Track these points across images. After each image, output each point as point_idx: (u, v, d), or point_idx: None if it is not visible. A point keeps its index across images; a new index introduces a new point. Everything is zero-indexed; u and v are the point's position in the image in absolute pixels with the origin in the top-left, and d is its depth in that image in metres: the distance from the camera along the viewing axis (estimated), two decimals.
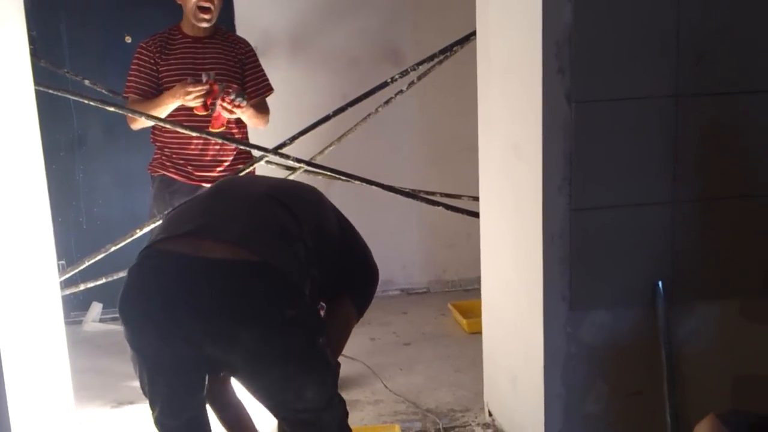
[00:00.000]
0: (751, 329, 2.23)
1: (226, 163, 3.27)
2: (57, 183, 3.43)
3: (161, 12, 3.68)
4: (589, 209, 2.10)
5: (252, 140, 3.44)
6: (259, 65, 3.38)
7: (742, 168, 2.16)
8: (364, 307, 2.04)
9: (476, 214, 2.87)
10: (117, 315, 1.83)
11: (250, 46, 3.39)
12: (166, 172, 3.23)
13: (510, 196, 2.40)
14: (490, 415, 2.74)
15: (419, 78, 3.55)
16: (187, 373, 1.80)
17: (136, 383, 1.88)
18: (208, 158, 3.24)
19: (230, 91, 3.07)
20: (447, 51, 3.36)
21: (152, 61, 3.21)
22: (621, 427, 2.23)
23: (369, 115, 3.68)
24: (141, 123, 3.22)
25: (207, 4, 3.14)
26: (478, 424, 2.71)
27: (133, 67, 3.26)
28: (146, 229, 3.10)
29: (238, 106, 3.09)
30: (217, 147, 3.23)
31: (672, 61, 2.07)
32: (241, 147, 3.30)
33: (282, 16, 4.26)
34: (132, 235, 3.15)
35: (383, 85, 3.47)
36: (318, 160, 3.67)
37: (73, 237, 4.10)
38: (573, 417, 2.20)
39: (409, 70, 3.46)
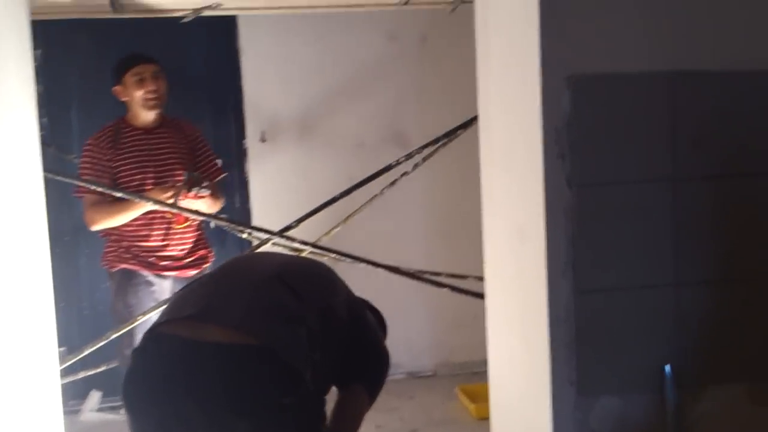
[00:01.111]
0: (758, 415, 2.17)
1: (187, 249, 3.23)
2: (60, 267, 3.44)
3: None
4: (593, 292, 2.08)
5: (259, 223, 3.48)
6: (209, 148, 3.38)
7: (743, 249, 2.15)
8: (376, 393, 2.01)
9: (482, 296, 2.86)
10: (115, 404, 1.81)
11: (199, 130, 3.39)
12: (126, 265, 3.18)
13: (515, 278, 2.39)
14: None
15: (424, 159, 3.60)
16: None
17: None
18: (170, 248, 3.20)
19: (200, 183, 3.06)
20: (450, 134, 3.42)
21: (106, 157, 3.16)
22: None
23: (375, 196, 3.73)
24: (102, 224, 3.17)
25: (154, 94, 3.14)
26: None
27: (85, 163, 3.17)
28: (142, 319, 3.08)
29: (201, 197, 3.09)
30: (177, 236, 3.19)
31: (668, 146, 2.09)
32: (235, 230, 3.29)
33: (290, 100, 4.36)
34: (133, 323, 3.13)
35: (389, 167, 3.52)
36: (324, 242, 3.69)
37: (75, 323, 4.09)
38: None
39: (413, 152, 3.52)
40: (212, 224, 3.29)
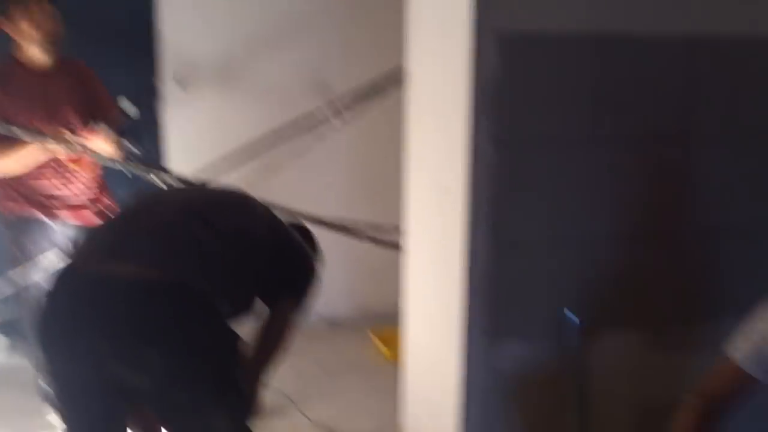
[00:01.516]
0: (658, 361, 2.36)
1: (87, 193, 3.13)
2: None
3: None
4: (508, 244, 2.19)
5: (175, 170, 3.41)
6: (106, 91, 3.21)
7: (651, 208, 2.30)
8: (305, 303, 1.98)
9: (400, 247, 2.94)
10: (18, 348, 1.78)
11: (91, 70, 3.21)
12: (21, 208, 3.03)
13: (434, 231, 2.47)
14: None
15: (348, 110, 3.61)
16: (102, 399, 1.77)
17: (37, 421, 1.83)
18: (67, 190, 3.08)
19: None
20: (377, 86, 3.43)
21: None
22: None
23: (297, 146, 3.72)
24: None
25: (46, 33, 2.92)
26: None
27: None
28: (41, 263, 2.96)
29: (97, 133, 2.97)
30: (74, 178, 3.07)
31: (590, 107, 2.19)
32: (147, 175, 3.15)
33: (210, 44, 4.24)
34: (32, 267, 2.99)
35: (312, 117, 3.51)
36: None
37: None
38: None
39: (338, 102, 3.52)
40: (123, 169, 3.15)
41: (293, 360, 3.94)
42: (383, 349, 3.86)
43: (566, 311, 2.25)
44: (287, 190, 3.92)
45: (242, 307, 1.85)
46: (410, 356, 2.80)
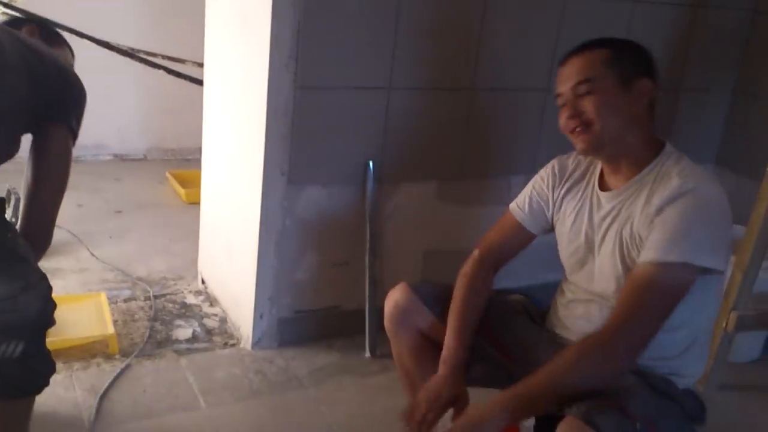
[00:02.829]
0: (443, 210, 2.50)
1: None
2: None
3: None
4: (313, 88, 2.14)
5: None
6: None
7: (448, 63, 2.34)
8: (76, 124, 1.65)
9: (200, 82, 2.78)
10: None
11: None
12: None
13: (236, 67, 2.35)
14: (203, 282, 2.78)
15: None
16: None
17: None
18: None
19: None
20: None
21: None
22: (326, 293, 2.41)
23: None
24: None
25: None
26: (190, 291, 2.74)
27: None
28: None
29: None
30: None
31: None
32: None
33: None
34: None
35: None
36: (20, 4, 3.25)
37: None
38: (283, 285, 2.33)
39: None
40: None
41: (82, 197, 3.74)
42: (180, 190, 3.74)
43: (366, 161, 2.29)
44: (71, 10, 3.54)
45: (3, 149, 1.56)
46: (208, 197, 2.74)
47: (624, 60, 1.42)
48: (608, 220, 1.48)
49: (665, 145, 1.46)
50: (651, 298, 1.31)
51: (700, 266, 1.31)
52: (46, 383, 1.57)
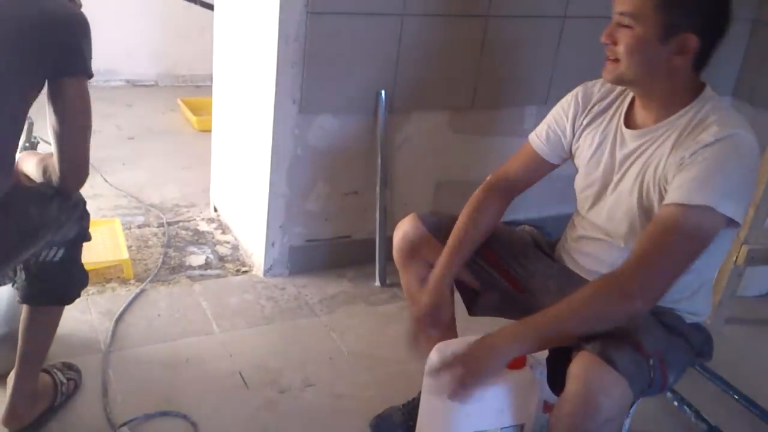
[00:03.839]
0: (454, 140, 2.48)
1: None
2: None
3: None
4: (326, 13, 2.11)
5: None
6: None
7: None
8: (88, 64, 1.57)
9: (211, 7, 2.74)
10: None
11: None
12: None
13: None
14: (216, 210, 2.80)
15: None
16: None
17: None
18: None
19: None
20: None
21: None
22: (336, 223, 2.43)
23: None
24: None
25: None
26: (202, 219, 2.77)
27: None
28: None
29: None
30: None
31: None
32: None
33: None
34: None
35: None
36: None
37: None
38: (294, 214, 2.34)
39: None
40: None
41: (95, 123, 3.72)
42: (191, 117, 3.73)
43: (377, 89, 2.26)
44: None
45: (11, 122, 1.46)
46: (220, 124, 2.73)
47: (676, 9, 1.31)
48: (632, 158, 1.42)
49: (704, 88, 1.38)
50: (673, 241, 1.26)
51: (722, 213, 1.25)
52: (78, 294, 1.65)
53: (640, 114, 1.43)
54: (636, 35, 1.32)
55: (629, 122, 1.46)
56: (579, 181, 1.55)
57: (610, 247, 1.48)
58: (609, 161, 1.47)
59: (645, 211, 1.39)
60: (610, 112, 1.50)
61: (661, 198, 1.34)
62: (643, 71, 1.35)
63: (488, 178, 1.63)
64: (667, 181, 1.33)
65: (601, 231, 1.50)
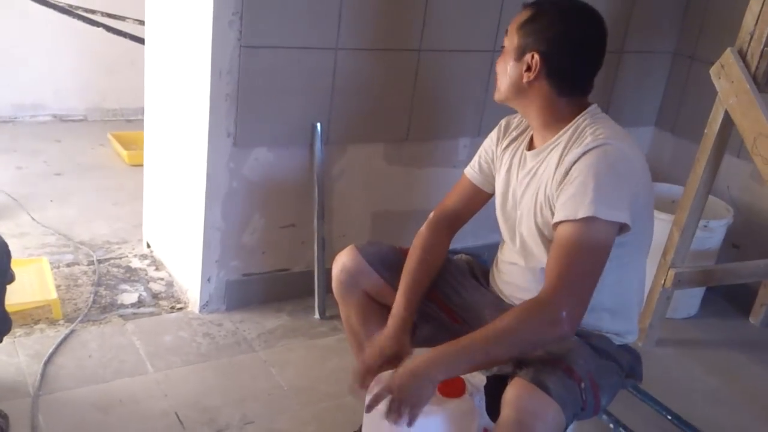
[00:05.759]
0: (390, 172, 2.50)
1: None
2: None
3: None
4: (259, 47, 2.11)
5: None
6: None
7: (395, 24, 2.32)
8: None
9: (141, 40, 2.71)
10: None
11: None
12: None
13: (179, 24, 2.30)
14: (149, 246, 2.74)
15: None
16: None
17: None
18: None
19: None
20: None
21: None
22: (273, 256, 2.40)
23: None
24: None
25: None
26: (135, 255, 2.70)
27: None
28: None
29: None
30: None
31: None
32: None
33: None
34: None
35: None
36: None
37: None
38: (230, 247, 2.31)
39: None
40: None
41: (21, 159, 3.64)
42: (122, 152, 3.65)
43: (313, 122, 2.27)
44: None
45: None
46: (152, 159, 2.69)
47: (531, 28, 1.40)
48: (527, 179, 1.48)
49: (588, 107, 1.44)
50: (577, 257, 1.30)
51: (606, 219, 1.29)
52: (0, 340, 1.56)
53: (536, 136, 1.51)
54: (501, 56, 1.47)
55: (530, 146, 1.53)
56: (496, 205, 1.60)
57: (522, 272, 1.52)
58: (515, 183, 1.53)
59: (540, 230, 1.44)
60: (521, 138, 1.58)
61: (553, 215, 1.38)
62: (511, 88, 1.46)
63: (430, 216, 1.66)
64: (553, 198, 1.39)
65: (516, 254, 1.54)
